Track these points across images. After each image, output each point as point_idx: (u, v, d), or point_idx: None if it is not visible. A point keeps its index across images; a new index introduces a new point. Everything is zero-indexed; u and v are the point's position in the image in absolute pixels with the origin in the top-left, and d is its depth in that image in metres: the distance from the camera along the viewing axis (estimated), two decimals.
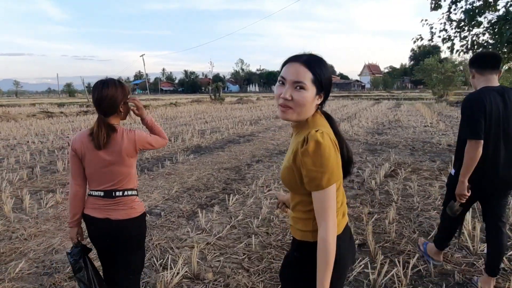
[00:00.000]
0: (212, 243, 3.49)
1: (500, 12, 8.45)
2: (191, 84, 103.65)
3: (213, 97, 32.06)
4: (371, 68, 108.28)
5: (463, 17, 8.86)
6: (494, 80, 2.43)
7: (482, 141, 2.31)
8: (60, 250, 3.43)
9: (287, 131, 12.16)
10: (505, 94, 2.39)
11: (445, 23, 9.19)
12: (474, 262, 3.00)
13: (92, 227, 1.96)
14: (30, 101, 42.59)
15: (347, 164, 1.35)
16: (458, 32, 9.08)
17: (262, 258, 3.17)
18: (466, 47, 9.20)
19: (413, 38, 9.27)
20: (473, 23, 8.78)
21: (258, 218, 4.07)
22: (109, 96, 1.90)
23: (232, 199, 4.70)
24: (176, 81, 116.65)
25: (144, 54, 29.82)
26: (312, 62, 1.26)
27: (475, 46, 9.19)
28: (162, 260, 3.14)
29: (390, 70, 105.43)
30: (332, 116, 1.40)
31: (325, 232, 1.19)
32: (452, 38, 8.84)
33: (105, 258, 2.07)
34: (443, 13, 9.20)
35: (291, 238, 1.43)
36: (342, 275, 1.36)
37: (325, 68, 1.29)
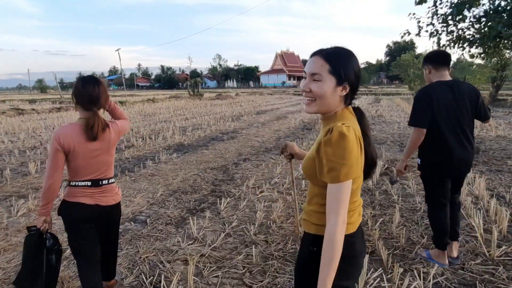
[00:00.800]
0: (206, 254, 3.14)
1: (486, 7, 8.44)
2: (168, 80, 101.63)
3: (191, 93, 31.36)
4: None
5: (449, 11, 8.81)
6: (447, 75, 2.73)
7: (423, 129, 2.64)
8: None
9: (271, 127, 11.88)
10: (454, 87, 2.68)
11: (432, 17, 9.11)
12: (494, 272, 2.78)
13: (82, 212, 2.10)
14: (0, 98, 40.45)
15: (370, 166, 1.34)
16: (444, 26, 9.02)
17: (265, 271, 2.85)
18: (453, 41, 9.16)
19: (400, 33, 9.15)
20: (459, 17, 8.73)
21: (255, 224, 3.75)
22: (102, 93, 2.12)
23: (224, 203, 4.36)
24: (153, 77, 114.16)
25: (119, 49, 28.86)
26: (331, 54, 1.27)
27: (461, 41, 9.18)
28: (152, 277, 2.77)
29: (367, 65, 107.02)
30: (365, 114, 1.37)
31: (334, 227, 1.16)
32: (440, 32, 8.77)
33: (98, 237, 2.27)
34: (429, 7, 9.12)
35: (294, 245, 1.55)
36: (355, 273, 1.35)
37: (346, 59, 1.27)
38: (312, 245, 1.31)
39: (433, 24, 9.07)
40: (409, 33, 9.15)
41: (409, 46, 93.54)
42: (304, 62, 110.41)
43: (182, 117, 15.55)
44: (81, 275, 2.19)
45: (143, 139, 9.43)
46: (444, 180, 2.80)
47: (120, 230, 3.27)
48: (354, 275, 1.35)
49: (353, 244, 1.28)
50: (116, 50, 29.18)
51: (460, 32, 9.05)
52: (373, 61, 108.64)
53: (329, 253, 1.16)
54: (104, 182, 2.15)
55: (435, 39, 9.25)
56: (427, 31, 9.16)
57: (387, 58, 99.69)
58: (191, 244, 3.35)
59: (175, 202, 4.57)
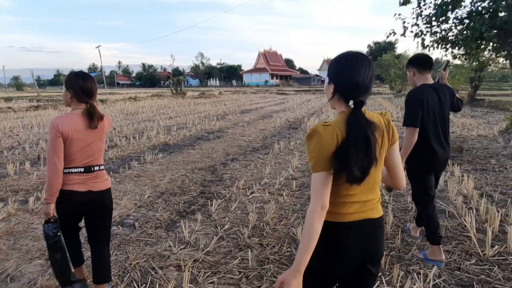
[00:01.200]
0: (200, 259, 3.03)
1: (468, 9, 8.61)
2: (149, 78, 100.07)
3: (174, 91, 30.95)
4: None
5: (433, 12, 8.94)
6: (430, 78, 2.91)
7: (417, 129, 2.77)
8: (16, 277, 2.82)
9: (257, 126, 11.81)
10: (439, 90, 2.88)
11: (417, 18, 9.23)
12: (489, 272, 2.79)
13: (75, 200, 2.22)
14: None
15: (346, 168, 1.30)
16: (428, 27, 9.15)
17: (262, 276, 2.78)
18: (436, 42, 9.31)
19: (386, 33, 9.23)
20: (442, 18, 8.88)
21: (248, 226, 3.67)
22: (95, 87, 2.29)
23: (214, 205, 4.25)
24: (133, 75, 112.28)
25: (100, 46, 28.04)
26: (335, 58, 1.45)
27: (445, 42, 9.33)
28: (145, 285, 2.65)
29: None
30: (356, 114, 1.33)
31: (310, 210, 1.30)
32: (425, 33, 8.90)
33: (88, 223, 2.42)
34: (413, 8, 9.24)
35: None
36: (340, 262, 1.40)
37: (337, 61, 1.42)
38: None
39: (417, 25, 9.19)
40: (395, 33, 9.24)
41: (389, 46, 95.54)
42: (287, 61, 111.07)
43: (166, 116, 15.29)
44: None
45: (126, 138, 9.20)
46: (431, 177, 2.99)
47: None
48: (332, 263, 1.41)
49: (342, 234, 1.39)
50: (96, 47, 28.40)
51: (443, 33, 9.21)
52: None
53: (306, 232, 1.29)
54: (95, 168, 2.29)
55: (419, 39, 9.39)
56: (412, 31, 9.29)
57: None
58: (183, 248, 3.24)
59: (164, 204, 4.43)
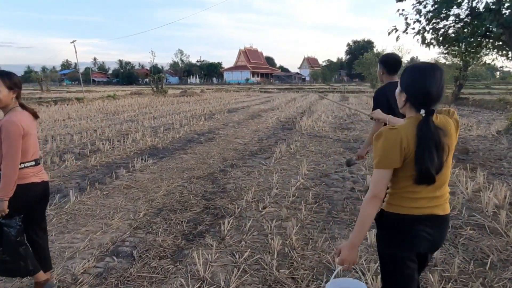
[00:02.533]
0: None
1: (464, 6, 8.30)
2: (126, 75, 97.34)
3: (155, 89, 29.82)
4: (310, 62, 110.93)
5: (432, 9, 8.58)
6: (396, 78, 3.10)
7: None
8: None
9: (249, 127, 11.20)
10: None
11: (419, 14, 8.86)
12: None
13: (36, 191, 2.35)
14: None
15: (420, 174, 1.47)
16: (428, 24, 8.80)
17: None
18: (437, 40, 8.97)
19: (388, 30, 8.79)
20: (442, 15, 8.53)
21: (271, 253, 3.06)
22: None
23: (225, 225, 3.62)
24: (110, 72, 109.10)
25: (75, 41, 26.63)
26: (406, 67, 1.60)
27: (446, 40, 9.01)
28: None
29: (328, 63, 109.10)
30: (426, 123, 1.46)
31: (366, 198, 1.53)
32: (428, 30, 8.53)
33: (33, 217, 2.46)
34: (413, 4, 8.85)
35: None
36: (403, 244, 1.59)
37: (408, 72, 1.57)
38: (380, 214, 1.63)
39: (419, 21, 8.82)
40: (396, 30, 8.81)
41: (368, 45, 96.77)
42: (268, 59, 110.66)
43: (149, 115, 14.43)
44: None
45: (109, 142, 8.39)
46: None
47: (100, 268, 2.95)
48: (400, 246, 1.59)
49: (408, 225, 1.57)
50: (71, 42, 26.89)
51: (443, 30, 8.88)
52: (334, 59, 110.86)
53: (360, 216, 1.53)
54: (39, 161, 2.41)
55: (419, 36, 9.03)
56: (413, 28, 8.91)
57: (348, 56, 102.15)
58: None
59: (164, 224, 3.76)
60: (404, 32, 8.95)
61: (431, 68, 1.50)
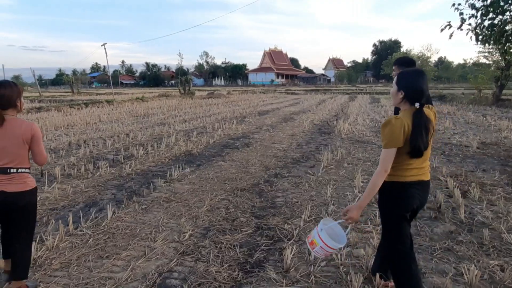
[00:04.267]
0: None
1: None
2: (153, 77, 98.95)
3: (182, 91, 29.76)
4: (335, 62, 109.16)
5: (488, 3, 7.76)
6: None
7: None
8: None
9: (284, 131, 10.63)
10: None
11: (471, 8, 8.05)
12: None
13: None
14: None
15: (413, 151, 2.02)
16: (485, 20, 7.98)
17: None
18: (494, 37, 8.13)
19: (441, 26, 8.01)
20: (498, 10, 7.71)
21: None
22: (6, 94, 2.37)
23: (287, 251, 3.07)
24: (137, 74, 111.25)
25: (105, 44, 26.91)
26: (401, 72, 2.16)
27: (503, 37, 8.16)
28: None
29: (353, 64, 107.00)
30: (420, 113, 2.03)
31: (377, 171, 2.05)
32: (486, 26, 7.71)
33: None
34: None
35: None
36: (403, 204, 2.15)
37: (405, 76, 2.11)
38: (383, 185, 2.11)
39: (475, 16, 8.00)
40: (450, 26, 8.01)
41: (395, 45, 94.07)
42: (292, 60, 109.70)
43: (179, 118, 14.12)
44: None
45: (143, 147, 8.03)
46: None
47: None
48: (400, 206, 2.15)
49: (405, 188, 2.12)
50: (102, 45, 27.32)
51: (501, 25, 8.02)
52: (360, 60, 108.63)
53: (371, 185, 2.06)
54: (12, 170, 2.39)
55: (473, 33, 8.21)
56: (470, 24, 8.10)
57: (374, 57, 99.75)
58: None
59: (214, 249, 3.26)
60: (459, 28, 8.15)
61: (421, 73, 2.08)
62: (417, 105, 2.00)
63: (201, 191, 4.97)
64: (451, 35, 8.18)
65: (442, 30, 8.14)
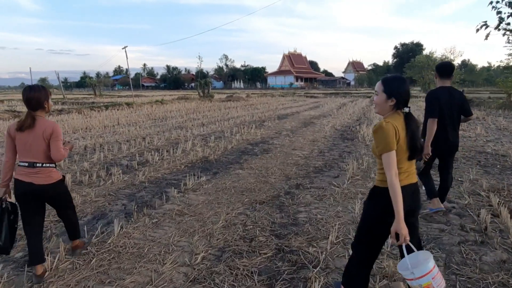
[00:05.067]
0: None
1: None
2: (173, 80, 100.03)
3: (201, 94, 29.67)
4: (355, 66, 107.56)
5: None
6: (447, 82, 3.90)
7: (436, 119, 3.73)
8: None
9: (305, 136, 10.18)
10: (451, 91, 3.88)
11: (509, 5, 7.42)
12: None
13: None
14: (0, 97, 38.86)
15: (411, 151, 2.05)
16: None
17: None
18: None
19: (476, 26, 7.43)
20: None
21: None
22: (31, 96, 2.69)
23: (315, 284, 2.65)
24: (158, 77, 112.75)
25: (126, 46, 27.15)
26: (385, 80, 2.12)
27: None
28: None
29: (374, 67, 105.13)
30: (412, 116, 2.08)
31: (390, 178, 1.94)
32: None
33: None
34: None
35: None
36: (387, 214, 2.01)
37: (393, 83, 2.08)
38: (373, 189, 2.17)
39: None
40: (487, 26, 7.42)
41: (416, 48, 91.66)
42: (311, 63, 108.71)
43: (197, 122, 13.88)
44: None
45: (158, 152, 7.76)
46: (434, 156, 4.00)
47: None
48: (389, 212, 1.99)
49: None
50: (122, 48, 27.60)
51: None
52: (380, 63, 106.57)
53: (393, 193, 1.93)
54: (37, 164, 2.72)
55: (510, 33, 7.58)
56: (508, 23, 7.48)
57: (395, 60, 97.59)
58: None
59: (230, 276, 2.87)
60: (496, 28, 7.55)
61: (405, 78, 2.17)
62: (406, 109, 2.05)
63: (216, 203, 4.60)
64: (487, 36, 7.59)
65: (477, 30, 7.53)
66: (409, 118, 2.04)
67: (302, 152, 7.98)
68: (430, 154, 3.80)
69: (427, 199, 4.22)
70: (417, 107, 19.88)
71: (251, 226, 3.85)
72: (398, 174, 1.96)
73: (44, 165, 2.70)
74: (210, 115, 16.90)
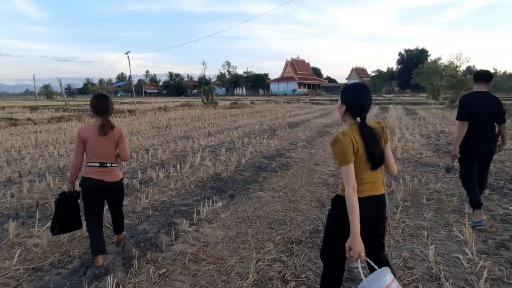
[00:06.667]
0: None
1: None
2: (176, 87, 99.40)
3: (205, 100, 28.74)
4: (359, 72, 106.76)
5: None
6: (483, 88, 3.94)
7: (466, 122, 3.81)
8: None
9: (325, 148, 9.18)
10: (487, 96, 3.89)
11: None
12: None
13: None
14: (2, 104, 38.02)
15: (373, 160, 1.98)
16: None
17: None
18: None
19: None
20: None
21: None
22: (109, 104, 3.14)
23: None
24: (161, 84, 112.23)
25: (129, 52, 26.33)
26: (344, 87, 2.12)
27: None
28: None
29: (377, 73, 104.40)
30: (365, 125, 2.00)
31: (346, 192, 1.89)
32: None
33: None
34: None
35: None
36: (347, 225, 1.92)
37: (347, 90, 2.08)
38: (335, 198, 2.12)
39: None
40: None
41: (421, 54, 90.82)
42: (314, 69, 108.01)
43: (204, 130, 12.90)
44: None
45: (163, 168, 6.77)
46: (475, 162, 3.97)
47: None
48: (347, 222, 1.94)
49: (359, 205, 1.91)
50: (125, 53, 26.73)
51: None
52: (384, 69, 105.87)
53: (349, 208, 1.88)
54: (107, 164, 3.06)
55: None
56: None
57: (399, 66, 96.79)
58: None
59: None
60: None
61: (364, 87, 2.05)
62: (358, 119, 2.00)
63: (240, 242, 3.58)
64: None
65: None
66: (363, 128, 1.99)
67: (327, 168, 6.97)
68: (458, 155, 3.95)
69: (468, 209, 4.21)
70: (433, 114, 18.83)
71: (293, 282, 2.83)
72: (360, 185, 1.97)
73: (112, 165, 3.07)
74: (216, 123, 15.93)
